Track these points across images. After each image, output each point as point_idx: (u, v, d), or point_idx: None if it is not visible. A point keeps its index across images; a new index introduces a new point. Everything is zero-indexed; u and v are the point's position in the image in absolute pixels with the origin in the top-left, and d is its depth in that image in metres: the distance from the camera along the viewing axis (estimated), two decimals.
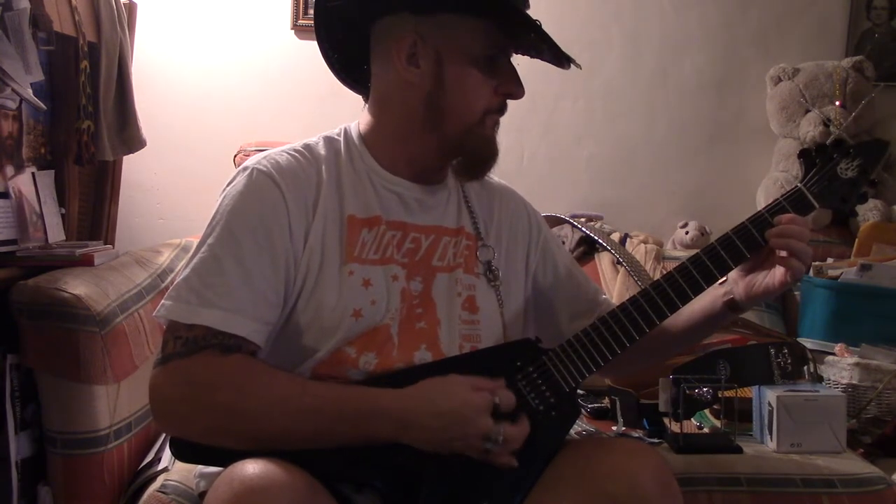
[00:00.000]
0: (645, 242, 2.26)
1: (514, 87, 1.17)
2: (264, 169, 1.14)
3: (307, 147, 1.20)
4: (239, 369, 1.04)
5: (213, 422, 1.03)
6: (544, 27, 1.14)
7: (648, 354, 1.33)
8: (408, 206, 1.21)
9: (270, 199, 1.11)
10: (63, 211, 1.80)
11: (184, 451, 1.09)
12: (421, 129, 1.17)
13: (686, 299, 1.16)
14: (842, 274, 2.03)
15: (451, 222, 1.25)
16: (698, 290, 1.15)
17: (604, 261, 2.20)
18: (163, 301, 1.07)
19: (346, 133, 1.24)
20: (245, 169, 1.15)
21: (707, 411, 1.74)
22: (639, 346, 1.19)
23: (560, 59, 1.18)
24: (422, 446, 1.04)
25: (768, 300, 1.18)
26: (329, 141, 1.22)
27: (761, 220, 1.16)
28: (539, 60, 1.22)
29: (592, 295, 1.35)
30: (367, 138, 1.22)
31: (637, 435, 1.64)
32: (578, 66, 1.20)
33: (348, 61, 1.26)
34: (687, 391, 1.56)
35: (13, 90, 1.51)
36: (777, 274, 1.15)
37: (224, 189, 1.15)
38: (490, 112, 1.17)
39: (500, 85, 1.16)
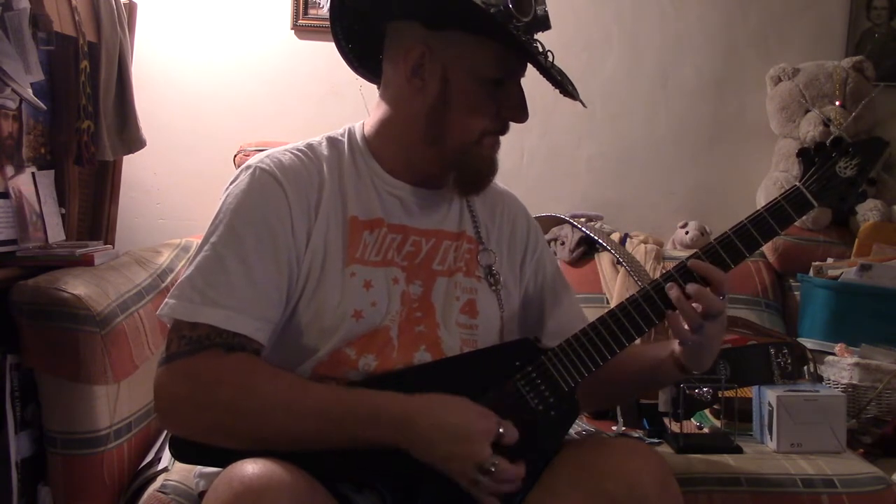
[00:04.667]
0: (645, 242, 2.26)
1: (518, 113, 1.16)
2: (267, 168, 1.14)
3: (310, 147, 1.20)
4: (242, 368, 1.04)
5: (216, 420, 1.03)
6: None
7: (613, 391, 1.33)
8: (409, 209, 1.21)
9: (273, 197, 1.12)
10: (63, 211, 1.80)
11: (183, 452, 1.10)
12: (421, 140, 1.17)
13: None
14: (842, 274, 2.03)
15: (452, 226, 1.25)
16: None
17: (604, 261, 2.20)
18: (166, 299, 1.07)
19: (350, 133, 1.24)
20: (248, 168, 1.15)
21: (707, 411, 1.74)
22: (603, 381, 1.19)
23: (567, 93, 1.17)
24: (415, 455, 1.03)
25: (696, 363, 1.18)
26: (332, 141, 1.22)
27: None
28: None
29: (567, 318, 1.30)
30: (371, 140, 1.22)
31: (637, 435, 1.65)
32: (583, 104, 1.19)
33: (362, 52, 1.25)
34: (687, 391, 1.56)
35: (13, 90, 1.52)
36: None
37: (227, 187, 1.15)
38: (488, 133, 1.16)
39: (503, 108, 1.16)
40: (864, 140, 1.23)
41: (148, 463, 1.47)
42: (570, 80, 1.20)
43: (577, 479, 1.09)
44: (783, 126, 2.43)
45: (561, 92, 1.18)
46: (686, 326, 1.11)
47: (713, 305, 1.10)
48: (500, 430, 1.03)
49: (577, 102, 1.21)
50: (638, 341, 1.18)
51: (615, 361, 1.15)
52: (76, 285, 1.39)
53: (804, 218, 1.23)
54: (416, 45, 1.14)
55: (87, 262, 1.56)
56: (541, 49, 1.15)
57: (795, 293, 2.23)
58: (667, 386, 1.52)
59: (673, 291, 1.11)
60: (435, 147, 1.16)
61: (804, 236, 2.26)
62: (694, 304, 1.10)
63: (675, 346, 1.18)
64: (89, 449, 1.39)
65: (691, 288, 1.10)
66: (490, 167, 1.20)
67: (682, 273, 1.13)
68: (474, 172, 1.19)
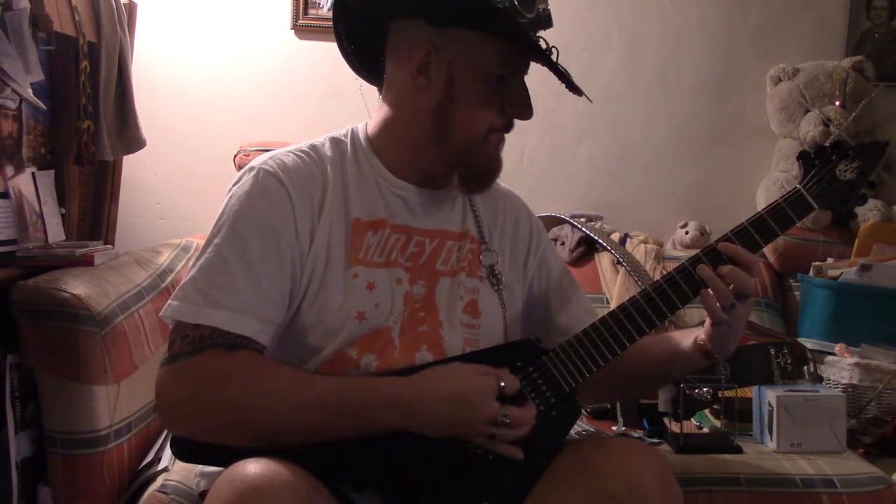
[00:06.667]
0: (645, 242, 2.26)
1: (522, 110, 1.17)
2: (270, 169, 1.14)
3: (313, 148, 1.20)
4: (245, 366, 1.04)
5: (221, 419, 1.03)
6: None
7: (624, 382, 1.32)
8: (412, 209, 1.21)
9: (277, 199, 1.12)
10: (63, 211, 1.80)
11: (184, 451, 1.09)
12: (426, 139, 1.17)
13: (686, 300, 1.16)
14: (842, 274, 2.03)
15: (455, 226, 1.25)
16: (698, 292, 1.15)
17: (604, 261, 2.20)
18: (169, 301, 1.07)
19: (353, 134, 1.24)
20: (251, 169, 1.15)
21: (707, 411, 1.75)
22: (616, 372, 1.19)
23: (574, 88, 1.18)
24: (427, 433, 1.04)
25: (722, 347, 1.19)
26: (335, 142, 1.22)
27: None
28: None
29: (577, 314, 1.31)
30: (374, 141, 1.22)
31: (637, 435, 1.65)
32: (589, 99, 1.20)
33: (364, 53, 1.26)
34: (687, 391, 1.56)
35: (13, 90, 1.51)
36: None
37: (230, 189, 1.15)
38: (494, 130, 1.17)
39: (507, 105, 1.16)
40: (865, 143, 1.24)
41: (148, 463, 1.47)
42: (572, 78, 1.21)
43: (578, 478, 1.09)
44: (783, 126, 2.43)
45: (567, 87, 1.19)
46: (718, 305, 1.12)
47: (746, 284, 1.12)
48: (502, 384, 1.05)
49: (578, 102, 1.22)
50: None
51: (622, 356, 1.16)
52: (76, 285, 1.39)
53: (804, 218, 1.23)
54: (421, 43, 1.14)
55: (87, 262, 1.56)
56: (545, 45, 1.15)
57: (795, 293, 2.23)
58: (681, 376, 1.51)
59: (705, 270, 1.13)
60: (440, 146, 1.16)
61: (804, 236, 2.26)
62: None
63: (700, 333, 1.19)
64: (89, 449, 1.39)
65: (724, 268, 1.12)
66: (495, 165, 1.21)
67: (710, 257, 1.14)
68: (479, 170, 1.19)
